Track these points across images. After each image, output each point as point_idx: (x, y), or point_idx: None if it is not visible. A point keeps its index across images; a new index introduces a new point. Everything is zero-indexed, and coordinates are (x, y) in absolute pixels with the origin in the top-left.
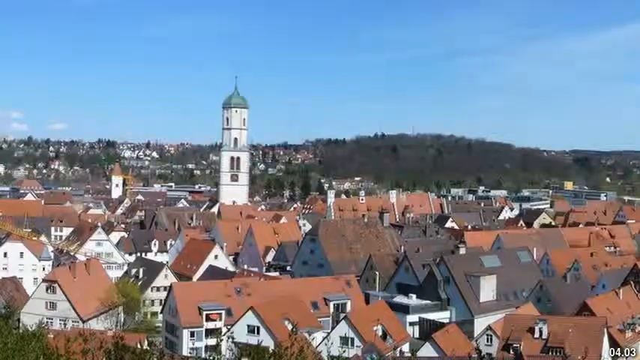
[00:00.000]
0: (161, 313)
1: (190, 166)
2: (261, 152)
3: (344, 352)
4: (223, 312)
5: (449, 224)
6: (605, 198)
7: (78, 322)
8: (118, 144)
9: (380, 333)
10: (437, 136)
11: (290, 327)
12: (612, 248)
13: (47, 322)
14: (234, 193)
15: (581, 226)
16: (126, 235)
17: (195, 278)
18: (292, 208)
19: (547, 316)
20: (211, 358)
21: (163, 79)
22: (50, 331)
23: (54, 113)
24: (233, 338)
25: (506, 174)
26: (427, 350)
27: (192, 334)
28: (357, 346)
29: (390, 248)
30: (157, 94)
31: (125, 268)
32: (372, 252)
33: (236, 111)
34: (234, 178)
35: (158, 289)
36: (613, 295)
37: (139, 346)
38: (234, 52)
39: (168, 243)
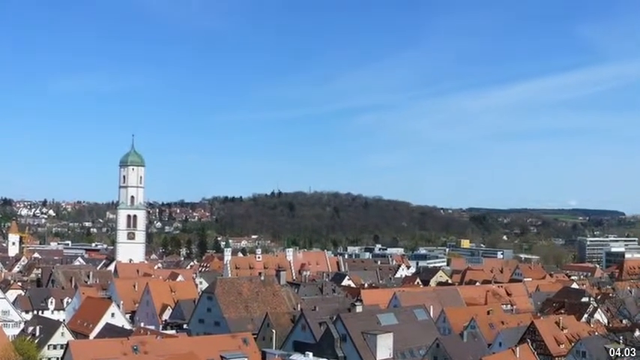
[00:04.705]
0: None
1: (87, 224)
2: (157, 210)
3: None
4: None
5: (345, 282)
6: (501, 256)
7: None
8: (14, 202)
9: None
10: (334, 194)
11: None
12: (509, 306)
13: None
14: (130, 251)
15: (477, 284)
16: (22, 293)
17: (92, 336)
18: (189, 266)
19: None
20: None
21: (60, 137)
22: None
23: None
24: None
25: (403, 232)
26: None
27: None
28: None
29: (286, 306)
30: (54, 152)
31: (22, 326)
32: (269, 310)
33: (133, 169)
34: (131, 236)
35: (55, 347)
36: (510, 354)
37: None
38: (130, 111)
39: (65, 301)
